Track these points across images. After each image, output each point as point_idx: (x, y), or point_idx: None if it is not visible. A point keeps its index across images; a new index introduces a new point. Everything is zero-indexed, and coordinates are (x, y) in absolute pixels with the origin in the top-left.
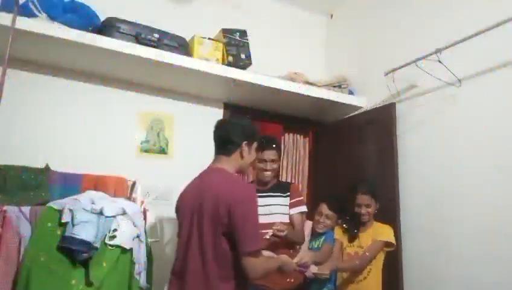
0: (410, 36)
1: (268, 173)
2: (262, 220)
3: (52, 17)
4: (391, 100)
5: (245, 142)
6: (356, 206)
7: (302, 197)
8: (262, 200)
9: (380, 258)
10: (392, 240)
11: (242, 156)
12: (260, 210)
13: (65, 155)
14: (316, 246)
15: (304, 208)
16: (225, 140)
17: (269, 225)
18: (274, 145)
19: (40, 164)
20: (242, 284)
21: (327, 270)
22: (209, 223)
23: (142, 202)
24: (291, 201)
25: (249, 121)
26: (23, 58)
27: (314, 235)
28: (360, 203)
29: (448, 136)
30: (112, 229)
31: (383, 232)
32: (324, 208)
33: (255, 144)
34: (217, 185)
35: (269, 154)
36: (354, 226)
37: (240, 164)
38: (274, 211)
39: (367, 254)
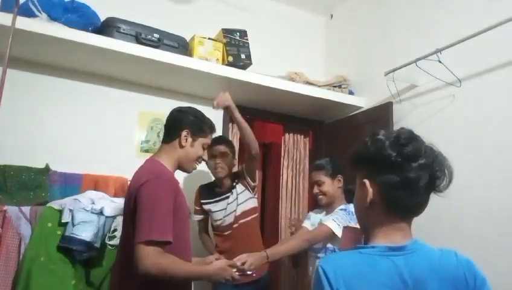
0: (410, 36)
1: (220, 169)
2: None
3: (52, 17)
4: (391, 100)
5: (186, 130)
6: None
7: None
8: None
9: None
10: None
11: (181, 145)
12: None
13: (65, 155)
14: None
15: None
16: (167, 126)
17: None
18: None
19: (40, 164)
20: (151, 284)
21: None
22: (126, 217)
23: None
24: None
25: (202, 113)
26: (23, 58)
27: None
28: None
29: (448, 136)
30: (112, 229)
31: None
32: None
33: (201, 139)
34: (135, 176)
35: (216, 149)
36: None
37: (179, 155)
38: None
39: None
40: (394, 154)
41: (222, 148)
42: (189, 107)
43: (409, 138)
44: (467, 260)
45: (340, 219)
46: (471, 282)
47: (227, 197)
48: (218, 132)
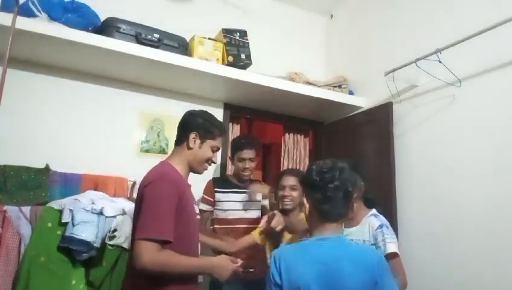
0: (410, 36)
1: (248, 172)
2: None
3: (52, 17)
4: (391, 100)
5: (194, 132)
6: (280, 189)
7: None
8: (240, 195)
9: None
10: None
11: (188, 147)
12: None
13: (65, 155)
14: None
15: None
16: (178, 129)
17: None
18: (253, 145)
19: (40, 164)
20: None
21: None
22: (134, 218)
23: None
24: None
25: (212, 116)
26: (23, 58)
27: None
28: (285, 184)
29: (448, 136)
30: (112, 229)
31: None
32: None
33: (210, 141)
34: (143, 178)
35: (248, 153)
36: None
37: (188, 156)
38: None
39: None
40: (318, 179)
41: (252, 153)
42: (201, 110)
43: (328, 167)
44: (380, 255)
45: (392, 237)
46: (378, 267)
47: (245, 193)
48: None
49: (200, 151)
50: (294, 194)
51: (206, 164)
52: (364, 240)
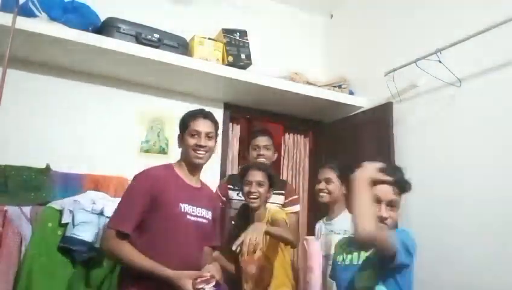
0: (410, 36)
1: (263, 159)
2: None
3: (52, 17)
4: (391, 100)
5: (179, 134)
6: (245, 185)
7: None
8: None
9: (281, 259)
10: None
11: (181, 149)
12: None
13: (66, 155)
14: (351, 261)
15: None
16: None
17: None
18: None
19: (40, 164)
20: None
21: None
22: None
23: None
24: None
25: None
26: (23, 58)
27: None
28: (251, 179)
29: (448, 136)
30: None
31: (282, 213)
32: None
33: (186, 132)
34: None
35: (261, 140)
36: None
37: (181, 155)
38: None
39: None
40: None
41: (266, 140)
42: None
43: None
44: None
45: None
46: None
47: None
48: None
49: (183, 145)
50: (261, 190)
51: (193, 152)
52: (345, 231)
